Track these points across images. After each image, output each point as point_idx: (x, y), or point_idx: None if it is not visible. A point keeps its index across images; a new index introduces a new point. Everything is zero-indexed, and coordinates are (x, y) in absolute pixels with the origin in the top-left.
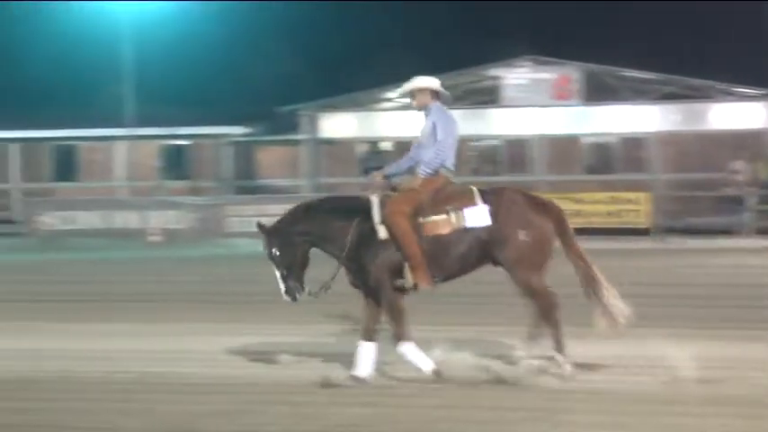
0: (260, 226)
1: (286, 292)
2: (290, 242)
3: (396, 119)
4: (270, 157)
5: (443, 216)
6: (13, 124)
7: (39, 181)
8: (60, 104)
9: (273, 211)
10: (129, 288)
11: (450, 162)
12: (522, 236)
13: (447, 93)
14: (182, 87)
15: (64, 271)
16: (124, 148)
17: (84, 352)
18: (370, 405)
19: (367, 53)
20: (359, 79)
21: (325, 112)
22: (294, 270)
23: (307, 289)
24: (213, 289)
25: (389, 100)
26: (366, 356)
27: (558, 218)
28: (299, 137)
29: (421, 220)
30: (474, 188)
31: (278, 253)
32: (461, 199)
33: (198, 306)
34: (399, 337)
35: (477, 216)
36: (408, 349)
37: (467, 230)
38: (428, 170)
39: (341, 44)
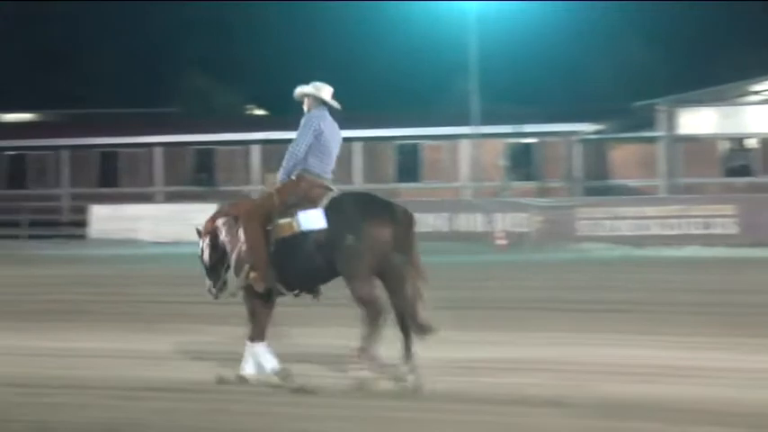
0: (197, 230)
1: (208, 289)
2: (215, 244)
3: (764, 114)
4: (623, 156)
5: (288, 219)
6: (357, 123)
7: (382, 182)
8: (404, 103)
9: (626, 214)
10: (485, 294)
11: (318, 168)
12: (349, 240)
13: (333, 102)
14: (525, 84)
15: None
16: (468, 147)
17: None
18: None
19: (727, 42)
20: (718, 71)
21: (684, 107)
22: (216, 270)
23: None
24: (569, 296)
25: (757, 93)
26: (255, 357)
27: (400, 226)
28: (655, 134)
29: (270, 225)
30: (331, 192)
31: (202, 253)
32: (304, 203)
33: (553, 314)
34: (252, 337)
35: (312, 219)
36: (259, 350)
37: (305, 234)
38: (282, 176)
39: (695, 33)
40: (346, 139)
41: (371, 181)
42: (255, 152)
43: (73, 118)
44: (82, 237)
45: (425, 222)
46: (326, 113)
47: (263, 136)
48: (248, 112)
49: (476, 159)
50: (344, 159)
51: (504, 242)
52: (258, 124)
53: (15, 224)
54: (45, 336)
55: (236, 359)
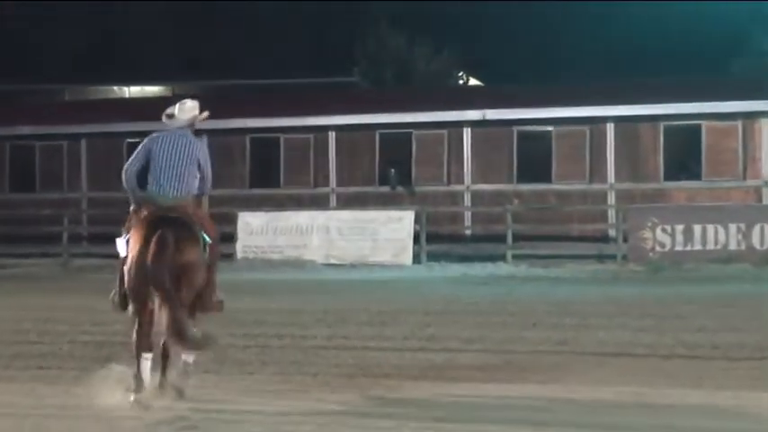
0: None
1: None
2: None
3: None
4: None
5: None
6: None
7: (640, 179)
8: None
9: None
10: None
11: (155, 187)
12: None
13: (173, 122)
14: None
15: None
16: None
17: None
18: None
19: None
20: None
21: None
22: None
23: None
24: None
25: None
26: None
27: (166, 248)
28: None
29: None
30: (149, 218)
31: None
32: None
33: None
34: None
35: (120, 245)
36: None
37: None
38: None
39: None
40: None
41: (625, 178)
42: (467, 136)
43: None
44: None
45: (708, 237)
46: (170, 132)
47: (476, 116)
48: (460, 82)
49: None
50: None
51: None
52: (472, 98)
53: None
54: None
55: None
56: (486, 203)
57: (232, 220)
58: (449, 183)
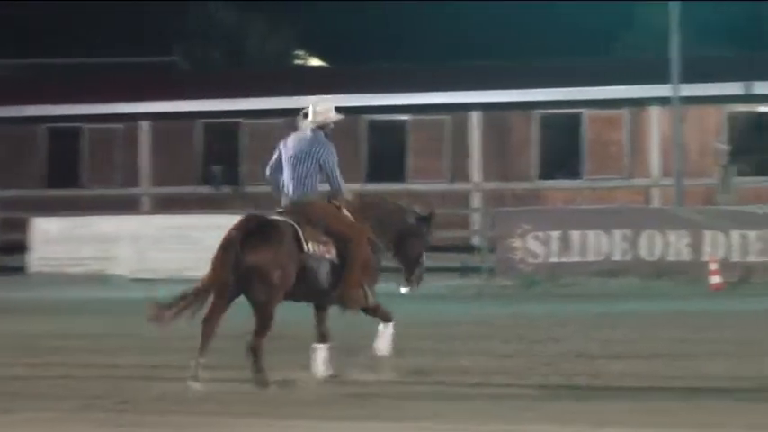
0: None
1: None
2: None
3: None
4: None
5: None
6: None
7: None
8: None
9: None
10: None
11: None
12: None
13: (304, 123)
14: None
15: None
16: (661, 120)
17: None
18: None
19: None
20: None
21: None
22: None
23: None
24: None
25: None
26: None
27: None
28: None
29: None
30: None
31: None
32: None
33: None
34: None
35: None
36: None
37: None
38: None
39: None
40: None
41: (492, 177)
42: None
43: None
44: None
45: (589, 246)
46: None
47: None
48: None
49: (674, 140)
50: None
51: (718, 280)
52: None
53: None
54: None
55: None
56: None
57: (24, 227)
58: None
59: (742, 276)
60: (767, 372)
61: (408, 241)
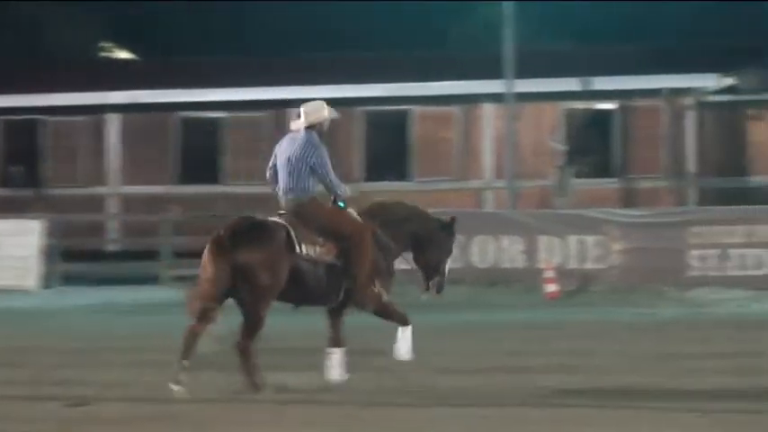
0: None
1: None
2: None
3: None
4: None
5: None
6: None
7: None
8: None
9: None
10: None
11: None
12: None
13: (297, 124)
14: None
15: None
16: (495, 117)
17: None
18: None
19: None
20: None
21: None
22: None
23: None
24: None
25: None
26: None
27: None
28: None
29: None
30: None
31: None
32: None
33: None
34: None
35: None
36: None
37: None
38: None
39: None
40: None
41: None
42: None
43: None
44: None
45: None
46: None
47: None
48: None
49: (508, 139)
50: None
51: (554, 289)
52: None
53: None
54: None
55: None
56: (137, 211)
57: None
58: (89, 184)
59: (579, 284)
60: (603, 384)
61: (427, 247)
